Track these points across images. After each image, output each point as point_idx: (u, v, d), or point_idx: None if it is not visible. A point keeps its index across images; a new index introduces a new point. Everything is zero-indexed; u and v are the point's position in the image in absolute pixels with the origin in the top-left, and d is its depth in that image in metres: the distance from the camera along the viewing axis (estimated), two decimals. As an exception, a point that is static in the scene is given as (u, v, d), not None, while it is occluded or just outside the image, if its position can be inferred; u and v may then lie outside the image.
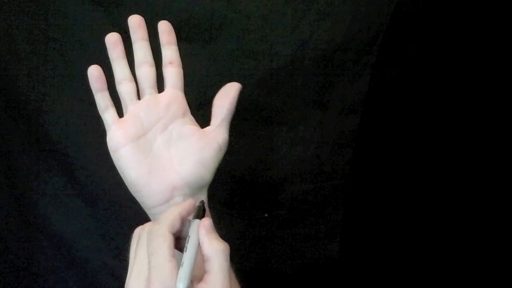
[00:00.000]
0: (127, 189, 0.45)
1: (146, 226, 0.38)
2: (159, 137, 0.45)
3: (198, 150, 0.45)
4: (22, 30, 0.58)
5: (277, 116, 0.60)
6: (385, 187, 0.65)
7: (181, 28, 0.57)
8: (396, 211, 0.67)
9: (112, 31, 0.58)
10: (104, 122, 0.45)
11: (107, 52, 0.44)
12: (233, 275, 0.47)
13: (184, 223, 0.38)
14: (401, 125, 0.63)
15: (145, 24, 0.45)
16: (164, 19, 0.46)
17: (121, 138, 0.44)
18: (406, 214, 0.67)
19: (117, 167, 0.44)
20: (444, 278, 0.71)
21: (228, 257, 0.37)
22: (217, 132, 0.46)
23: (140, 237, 0.37)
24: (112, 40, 0.44)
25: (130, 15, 0.45)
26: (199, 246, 0.37)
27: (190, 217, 0.39)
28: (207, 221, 0.38)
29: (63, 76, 0.59)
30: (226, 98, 0.47)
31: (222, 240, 0.38)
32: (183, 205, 0.40)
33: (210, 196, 0.61)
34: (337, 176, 0.63)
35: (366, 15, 0.57)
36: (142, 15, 0.45)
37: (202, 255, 0.37)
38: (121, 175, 0.45)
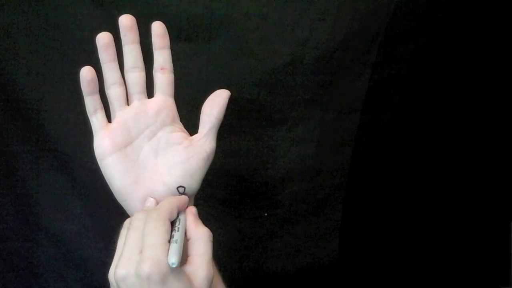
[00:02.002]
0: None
1: (139, 213, 0.39)
2: (147, 144, 0.45)
3: (185, 160, 0.45)
4: (22, 29, 0.58)
5: (277, 115, 0.60)
6: (385, 186, 0.65)
7: (181, 28, 0.57)
8: (396, 210, 0.67)
9: (112, 31, 0.58)
10: (92, 126, 0.44)
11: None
12: (219, 276, 0.47)
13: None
14: (401, 124, 0.63)
15: (136, 25, 0.44)
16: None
17: (108, 147, 0.43)
18: (406, 213, 0.67)
19: (103, 175, 0.44)
20: (443, 278, 0.71)
21: (212, 243, 0.39)
22: (205, 140, 0.46)
23: (133, 223, 0.38)
24: (104, 42, 0.43)
25: (130, 14, 0.44)
26: (185, 231, 0.39)
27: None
28: (194, 208, 0.41)
29: (63, 75, 0.59)
30: (214, 106, 0.46)
31: (206, 227, 0.40)
32: (180, 198, 0.42)
33: (210, 195, 0.62)
34: (336, 176, 0.63)
35: (366, 15, 0.57)
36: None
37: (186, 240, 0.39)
38: (108, 184, 0.44)
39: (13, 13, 0.57)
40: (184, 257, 0.37)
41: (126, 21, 0.44)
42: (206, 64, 0.58)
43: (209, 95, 0.57)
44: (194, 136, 0.46)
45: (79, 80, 0.43)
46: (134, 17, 0.45)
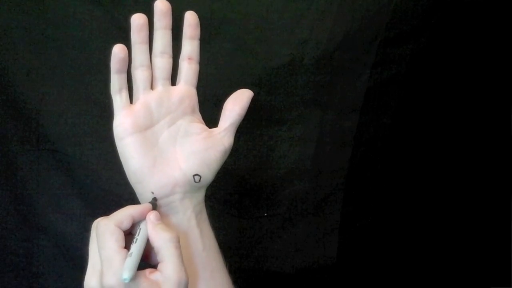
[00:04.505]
0: (127, 188, 0.45)
1: (95, 222, 0.39)
2: (166, 130, 0.45)
3: (203, 150, 0.45)
4: (21, 29, 0.58)
5: (277, 115, 0.61)
6: (384, 186, 0.65)
7: (181, 28, 0.57)
8: (395, 210, 0.67)
9: (112, 30, 0.58)
10: (114, 104, 0.44)
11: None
12: (225, 267, 0.47)
13: (135, 223, 0.40)
14: (400, 124, 0.63)
15: (171, 11, 0.44)
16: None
17: (129, 126, 0.43)
18: (405, 213, 0.67)
19: (120, 155, 0.44)
20: (443, 278, 0.71)
21: (178, 245, 0.38)
22: (224, 134, 0.46)
23: (91, 233, 0.39)
24: (139, 23, 0.43)
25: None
26: (148, 239, 0.39)
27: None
28: (152, 214, 0.40)
29: (63, 75, 0.59)
30: (238, 103, 0.47)
31: (170, 230, 0.39)
32: (138, 207, 0.41)
33: (210, 195, 0.61)
34: (336, 176, 0.63)
35: (366, 15, 0.57)
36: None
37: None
38: (124, 164, 0.44)
39: (13, 13, 0.57)
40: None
41: (162, 6, 0.44)
42: (205, 64, 0.58)
43: (208, 94, 0.58)
44: (213, 129, 0.47)
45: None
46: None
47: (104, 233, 0.37)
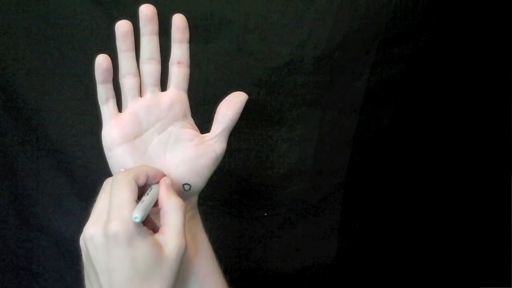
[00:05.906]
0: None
1: (111, 177, 0.39)
2: (156, 138, 0.45)
3: (194, 158, 0.44)
4: (22, 29, 0.58)
5: (276, 115, 0.61)
6: (384, 186, 0.65)
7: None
8: (394, 210, 0.67)
9: (112, 30, 0.58)
10: (102, 114, 0.44)
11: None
12: (219, 271, 0.47)
13: (148, 183, 0.40)
14: (400, 124, 0.63)
15: (157, 16, 0.44)
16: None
17: (117, 137, 0.43)
18: (405, 213, 0.67)
19: (110, 165, 0.44)
20: (443, 278, 0.71)
21: (184, 214, 0.39)
22: (216, 140, 0.45)
23: (103, 186, 0.39)
24: (123, 30, 0.43)
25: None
26: (157, 200, 0.40)
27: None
28: (168, 179, 0.41)
29: (63, 75, 0.59)
30: (231, 107, 0.46)
31: (180, 198, 0.40)
32: (154, 168, 0.41)
33: (210, 195, 0.61)
34: (336, 176, 0.63)
35: (366, 15, 0.57)
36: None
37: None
38: (113, 174, 0.44)
39: (13, 13, 0.57)
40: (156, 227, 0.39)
41: (147, 11, 0.43)
42: (205, 64, 0.58)
43: (208, 94, 0.58)
44: (205, 135, 0.46)
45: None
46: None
47: (122, 182, 0.37)
